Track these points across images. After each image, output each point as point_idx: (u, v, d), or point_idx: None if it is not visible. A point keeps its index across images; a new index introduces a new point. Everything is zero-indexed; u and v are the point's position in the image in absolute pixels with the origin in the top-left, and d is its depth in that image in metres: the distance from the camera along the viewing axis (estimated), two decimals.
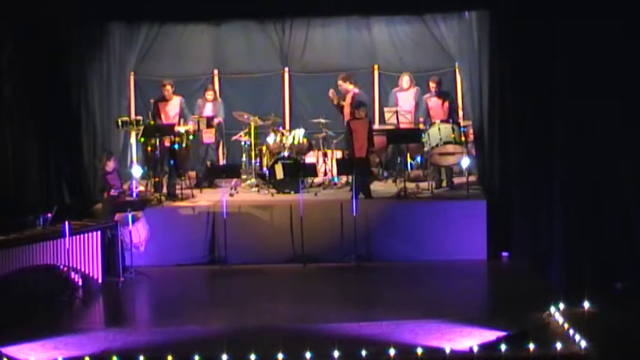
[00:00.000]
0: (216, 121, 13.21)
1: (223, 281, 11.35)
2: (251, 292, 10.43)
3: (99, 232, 10.57)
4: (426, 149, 12.58)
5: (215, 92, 13.68)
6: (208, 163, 13.39)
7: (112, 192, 11.04)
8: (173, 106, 13.01)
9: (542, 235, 10.48)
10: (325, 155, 13.31)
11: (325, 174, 13.17)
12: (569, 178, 10.02)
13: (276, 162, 12.80)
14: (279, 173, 12.69)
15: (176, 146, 12.72)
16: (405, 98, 13.57)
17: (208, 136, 13.27)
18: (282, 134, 13.21)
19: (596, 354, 8.05)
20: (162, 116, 12.96)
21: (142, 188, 12.69)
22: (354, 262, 11.49)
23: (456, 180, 12.81)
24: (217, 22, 14.13)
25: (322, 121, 13.41)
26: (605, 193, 9.96)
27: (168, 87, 12.96)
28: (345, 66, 14.55)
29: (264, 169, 13.19)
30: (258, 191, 12.85)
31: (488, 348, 8.20)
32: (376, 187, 12.81)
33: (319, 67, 14.65)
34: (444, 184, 12.78)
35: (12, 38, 11.47)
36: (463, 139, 12.41)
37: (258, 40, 14.60)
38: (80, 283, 10.58)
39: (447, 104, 12.70)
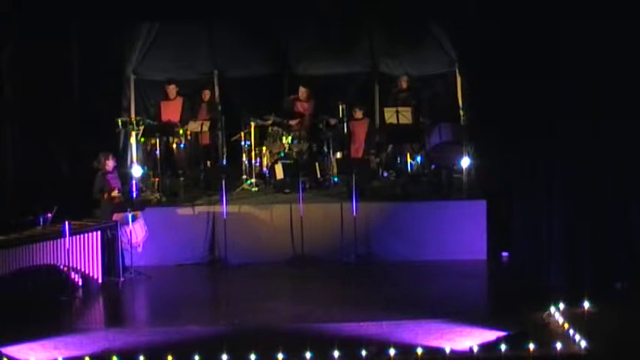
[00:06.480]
0: None
1: (223, 281, 11.36)
2: (251, 292, 10.43)
3: (99, 232, 10.58)
4: (426, 149, 12.60)
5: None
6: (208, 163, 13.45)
7: (115, 194, 11.04)
8: (174, 107, 13.09)
9: (542, 235, 10.47)
10: (325, 155, 13.31)
11: (325, 174, 13.16)
12: (569, 178, 10.02)
13: (276, 162, 12.80)
14: (279, 173, 12.70)
15: (182, 145, 12.76)
16: (405, 99, 13.60)
17: None
18: (283, 134, 13.21)
19: (596, 354, 8.05)
20: (163, 116, 13.07)
21: (142, 188, 12.69)
22: (354, 262, 11.49)
23: (456, 180, 12.81)
24: (217, 22, 14.14)
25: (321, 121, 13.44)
26: (605, 193, 9.95)
27: (172, 87, 13.15)
28: (345, 66, 14.58)
29: (264, 169, 13.20)
30: (258, 191, 12.85)
31: (488, 348, 8.20)
32: (376, 187, 12.82)
33: (319, 67, 14.65)
34: (443, 184, 12.78)
35: (13, 38, 11.47)
36: (463, 139, 12.43)
37: (258, 40, 14.61)
38: (80, 283, 10.59)
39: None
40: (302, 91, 13.71)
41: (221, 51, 14.68)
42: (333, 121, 13.36)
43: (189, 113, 13.43)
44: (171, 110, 13.33)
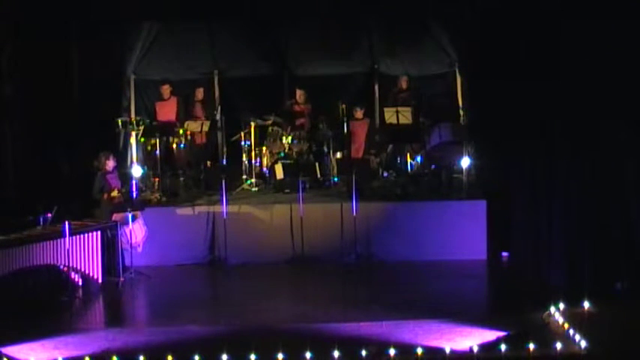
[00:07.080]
0: None
1: (223, 281, 11.36)
2: (251, 292, 10.42)
3: (99, 232, 10.57)
4: (426, 149, 12.60)
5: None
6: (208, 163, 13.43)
7: (115, 194, 11.03)
8: (170, 107, 13.10)
9: (542, 235, 10.47)
10: (325, 155, 13.31)
11: (325, 174, 13.16)
12: (569, 178, 10.02)
13: (276, 162, 12.80)
14: (279, 173, 12.70)
15: (182, 145, 12.78)
16: (405, 99, 13.61)
17: None
18: (283, 134, 13.22)
19: (596, 354, 8.05)
20: (159, 116, 13.10)
21: (142, 188, 12.69)
22: (354, 262, 11.49)
23: (456, 180, 12.81)
24: (217, 22, 14.15)
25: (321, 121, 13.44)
26: (605, 193, 9.95)
27: (166, 87, 13.16)
28: (345, 67, 14.57)
29: (264, 169, 13.20)
30: (258, 191, 12.85)
31: (488, 348, 8.20)
32: (376, 187, 12.81)
33: (319, 67, 14.65)
34: (443, 184, 12.78)
35: (12, 38, 11.48)
36: (463, 139, 12.42)
37: (258, 40, 14.61)
38: (80, 283, 10.59)
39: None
40: (299, 94, 13.75)
41: (221, 51, 14.68)
42: (329, 131, 13.36)
43: (185, 113, 13.45)
44: (167, 110, 13.37)
